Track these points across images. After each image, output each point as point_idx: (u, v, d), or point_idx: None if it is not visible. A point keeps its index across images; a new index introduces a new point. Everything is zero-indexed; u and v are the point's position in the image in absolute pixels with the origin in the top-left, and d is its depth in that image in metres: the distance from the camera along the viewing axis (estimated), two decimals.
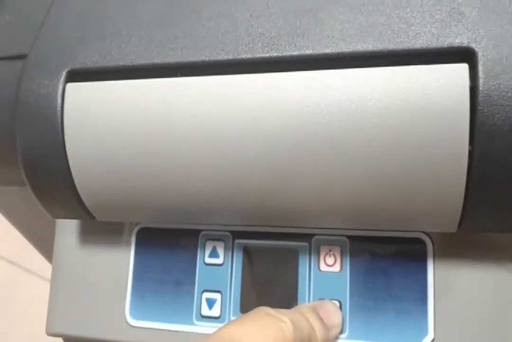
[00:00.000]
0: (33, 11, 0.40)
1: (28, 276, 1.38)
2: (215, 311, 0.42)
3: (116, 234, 0.45)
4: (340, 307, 0.39)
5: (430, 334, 0.37)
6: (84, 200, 0.38)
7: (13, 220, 0.59)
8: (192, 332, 0.42)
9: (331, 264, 0.40)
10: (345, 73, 0.31)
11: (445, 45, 0.30)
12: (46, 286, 0.47)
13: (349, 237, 0.40)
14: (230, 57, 0.34)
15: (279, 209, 0.35)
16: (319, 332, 0.36)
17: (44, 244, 0.57)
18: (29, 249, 0.66)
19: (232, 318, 0.42)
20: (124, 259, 0.45)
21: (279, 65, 0.33)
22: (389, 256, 0.39)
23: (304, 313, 0.36)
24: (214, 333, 0.33)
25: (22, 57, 0.38)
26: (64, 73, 0.36)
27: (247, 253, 0.42)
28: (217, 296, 0.42)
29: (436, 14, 0.31)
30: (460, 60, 0.30)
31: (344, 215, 0.35)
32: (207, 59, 0.34)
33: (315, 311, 0.38)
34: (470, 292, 0.37)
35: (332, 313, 0.39)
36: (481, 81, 0.29)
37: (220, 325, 0.41)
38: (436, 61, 0.30)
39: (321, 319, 0.37)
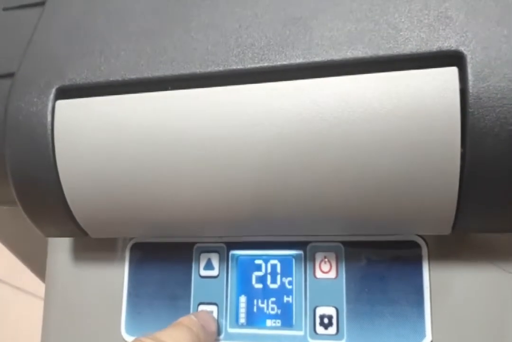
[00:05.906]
0: (19, 28, 0.39)
1: (20, 295, 1.37)
2: None
3: (109, 250, 0.45)
4: (337, 313, 0.39)
5: (428, 337, 0.37)
6: (77, 217, 0.38)
7: (3, 239, 0.58)
8: None
9: (326, 271, 0.40)
10: (336, 81, 0.32)
11: (434, 49, 0.31)
12: (39, 305, 0.46)
13: (343, 242, 0.40)
14: (221, 68, 0.34)
15: (274, 218, 0.35)
16: (203, 337, 0.39)
17: (36, 262, 0.57)
18: (20, 267, 0.66)
19: (229, 330, 0.41)
20: (118, 275, 0.45)
21: (269, 75, 0.33)
22: (384, 260, 0.39)
23: (185, 324, 0.39)
24: None
25: (9, 75, 0.38)
26: (53, 91, 0.36)
27: (242, 263, 0.42)
28: (213, 308, 0.42)
29: (424, 18, 0.31)
30: (450, 64, 0.30)
31: (339, 221, 0.35)
32: (197, 71, 0.34)
33: (196, 319, 0.40)
34: (467, 293, 0.37)
35: (210, 321, 0.41)
36: (470, 83, 0.29)
37: (217, 337, 0.41)
38: (425, 65, 0.31)
39: (203, 326, 0.39)
